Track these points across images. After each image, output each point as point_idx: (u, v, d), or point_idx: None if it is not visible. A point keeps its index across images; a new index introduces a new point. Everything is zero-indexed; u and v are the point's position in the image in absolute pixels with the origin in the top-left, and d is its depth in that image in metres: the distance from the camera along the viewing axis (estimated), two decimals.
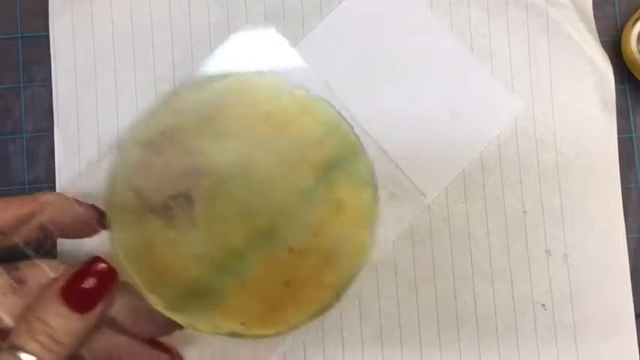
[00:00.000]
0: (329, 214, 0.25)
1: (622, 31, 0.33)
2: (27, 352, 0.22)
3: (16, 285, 0.23)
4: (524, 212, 0.32)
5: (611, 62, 0.33)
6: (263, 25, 0.33)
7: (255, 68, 0.26)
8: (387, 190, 0.27)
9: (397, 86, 0.33)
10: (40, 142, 0.33)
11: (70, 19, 0.33)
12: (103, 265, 0.23)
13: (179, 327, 0.25)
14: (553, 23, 0.33)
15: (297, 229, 0.24)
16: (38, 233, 0.24)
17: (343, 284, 0.25)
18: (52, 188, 0.32)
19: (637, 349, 0.31)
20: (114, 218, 0.24)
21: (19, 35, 0.33)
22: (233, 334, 0.25)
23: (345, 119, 0.26)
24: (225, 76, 0.26)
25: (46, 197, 0.25)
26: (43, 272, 0.24)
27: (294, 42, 0.33)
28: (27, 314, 0.23)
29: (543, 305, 0.32)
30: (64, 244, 0.30)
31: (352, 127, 0.26)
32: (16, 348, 0.22)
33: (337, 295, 0.25)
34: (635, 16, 0.32)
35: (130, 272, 0.24)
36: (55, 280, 0.23)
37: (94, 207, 0.25)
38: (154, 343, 0.26)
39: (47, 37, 0.33)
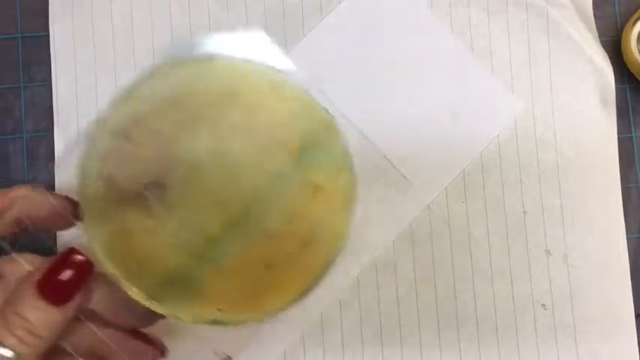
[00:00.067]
0: (305, 197, 0.24)
1: (622, 31, 0.33)
2: (5, 346, 0.22)
3: None
4: (524, 212, 0.32)
5: (611, 62, 0.33)
6: (255, 25, 0.33)
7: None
8: (366, 172, 0.26)
9: (397, 86, 0.33)
10: (40, 142, 0.33)
11: (70, 19, 0.33)
12: (79, 257, 0.23)
13: (160, 317, 0.25)
14: (553, 23, 0.33)
15: (273, 214, 0.24)
16: (14, 227, 0.24)
17: (322, 269, 0.25)
18: (52, 188, 0.32)
19: (637, 349, 0.31)
20: (87, 209, 0.24)
21: (19, 35, 0.33)
22: (213, 322, 0.25)
23: (318, 101, 0.25)
24: (192, 61, 0.25)
25: (17, 192, 0.24)
26: (21, 266, 0.24)
27: (294, 42, 0.33)
28: (4, 309, 0.22)
29: (543, 305, 0.32)
30: (64, 237, 0.30)
31: (327, 109, 0.25)
32: None
33: (316, 280, 0.25)
34: (635, 16, 0.32)
35: (106, 263, 0.24)
36: (31, 273, 0.23)
37: (67, 199, 0.25)
38: (136, 334, 0.25)
39: (47, 37, 0.33)
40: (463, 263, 0.32)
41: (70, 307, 0.23)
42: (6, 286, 0.23)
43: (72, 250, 0.23)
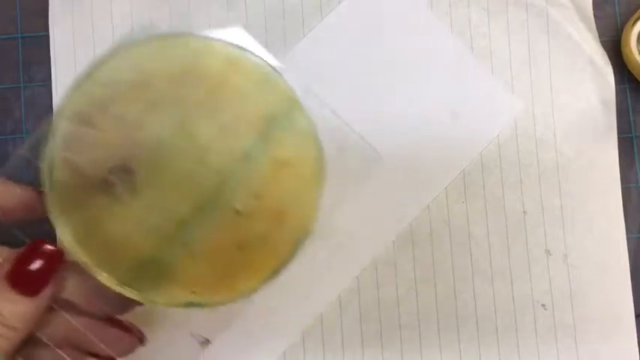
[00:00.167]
0: (273, 173, 0.24)
1: (622, 31, 0.33)
2: None
3: None
4: (524, 212, 0.32)
5: (611, 62, 0.33)
6: (255, 25, 0.33)
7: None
8: (334, 146, 0.26)
9: (397, 86, 0.33)
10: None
11: (70, 19, 0.33)
12: (47, 247, 0.23)
13: (136, 303, 0.25)
14: (553, 23, 0.33)
15: (241, 192, 0.24)
16: None
17: (293, 247, 0.25)
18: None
19: (637, 349, 0.32)
20: (54, 198, 0.24)
21: (19, 35, 0.33)
22: (188, 305, 0.24)
23: (280, 74, 0.25)
24: (150, 40, 0.25)
25: None
26: None
27: (294, 42, 0.33)
28: None
29: (543, 305, 0.32)
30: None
31: (289, 85, 0.25)
32: None
33: (287, 258, 0.25)
34: (635, 16, 0.32)
35: (76, 251, 0.24)
36: (0, 265, 0.23)
37: (34, 188, 0.24)
38: (113, 322, 0.25)
39: (47, 37, 0.33)
40: (463, 263, 0.32)
41: (43, 297, 0.23)
42: None
43: (40, 240, 0.23)
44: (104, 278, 0.24)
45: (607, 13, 0.34)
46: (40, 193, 0.24)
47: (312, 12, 0.33)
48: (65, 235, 0.23)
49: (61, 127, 0.24)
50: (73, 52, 0.33)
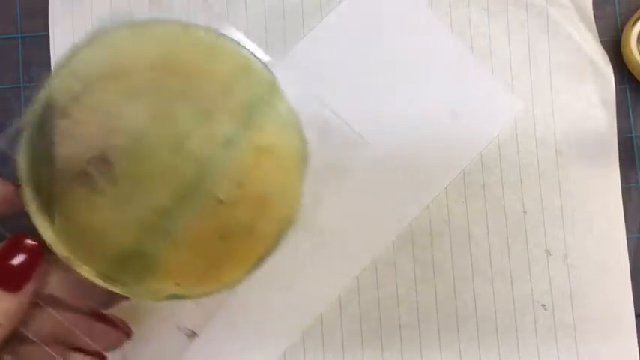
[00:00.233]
0: (254, 160, 0.24)
1: (622, 31, 0.33)
2: None
3: None
4: (524, 212, 0.32)
5: (611, 62, 0.33)
6: (255, 25, 0.33)
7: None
8: (318, 130, 0.26)
9: (397, 86, 0.33)
10: None
11: (70, 19, 0.33)
12: (29, 241, 0.23)
13: (121, 297, 0.25)
14: (553, 23, 0.33)
15: (222, 180, 0.23)
16: None
17: (277, 236, 0.24)
18: None
19: (637, 349, 0.32)
20: (33, 192, 0.23)
21: (19, 35, 0.33)
22: (172, 297, 0.24)
23: (259, 59, 0.24)
24: (125, 28, 0.24)
25: None
26: None
27: (294, 42, 0.33)
28: None
29: (543, 305, 0.32)
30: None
31: (267, 66, 0.24)
32: None
33: (271, 248, 0.24)
34: (635, 16, 0.32)
35: (57, 246, 0.23)
36: None
37: (10, 182, 0.24)
38: (99, 317, 0.25)
39: (47, 37, 0.33)
40: (463, 263, 0.32)
41: (25, 292, 0.23)
42: None
43: (21, 235, 0.23)
44: (86, 272, 0.23)
45: (607, 13, 0.34)
46: (18, 187, 0.23)
47: (312, 12, 0.33)
48: (45, 230, 0.23)
49: (37, 120, 0.23)
50: None
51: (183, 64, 0.24)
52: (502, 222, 0.32)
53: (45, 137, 0.23)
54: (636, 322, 0.32)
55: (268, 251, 0.24)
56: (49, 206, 0.23)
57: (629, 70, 0.33)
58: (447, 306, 0.32)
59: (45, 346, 0.24)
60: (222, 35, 0.24)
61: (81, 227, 0.23)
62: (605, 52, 0.33)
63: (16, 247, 0.23)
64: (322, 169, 0.27)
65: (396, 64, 0.33)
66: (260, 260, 0.24)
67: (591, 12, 0.33)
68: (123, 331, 0.26)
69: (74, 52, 0.24)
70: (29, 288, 0.23)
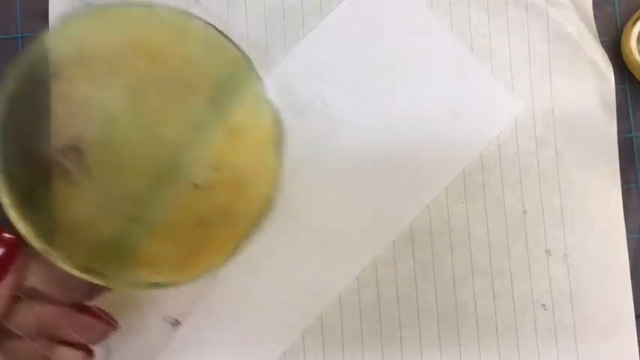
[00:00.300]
0: (228, 141, 0.23)
1: (622, 31, 0.33)
2: None
3: None
4: (524, 212, 0.32)
5: (611, 62, 0.33)
6: (255, 25, 0.33)
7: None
8: (294, 108, 0.25)
9: (397, 86, 0.33)
10: None
11: None
12: (5, 235, 0.23)
13: (104, 288, 0.24)
14: (553, 23, 0.33)
15: (197, 164, 0.23)
16: None
17: (255, 220, 0.24)
18: None
19: (637, 349, 0.31)
20: (5, 185, 0.23)
21: (19, 35, 0.33)
22: (153, 285, 0.24)
23: (227, 37, 0.24)
24: (90, 13, 0.23)
25: None
26: None
27: (294, 42, 0.33)
28: None
29: (543, 305, 0.32)
30: None
31: (237, 45, 0.24)
32: None
33: (250, 233, 0.24)
34: (635, 16, 0.32)
35: (34, 239, 0.23)
36: None
37: None
38: (83, 309, 0.25)
39: None
40: (463, 263, 0.32)
41: (4, 286, 0.23)
42: None
43: None
44: (65, 265, 0.23)
45: (607, 13, 0.34)
46: None
47: (312, 12, 0.33)
48: (19, 223, 0.23)
49: (6, 111, 0.23)
50: None
51: (150, 47, 0.23)
52: (502, 222, 0.32)
53: (11, 129, 0.23)
54: (636, 322, 0.32)
55: (248, 236, 0.24)
56: (22, 199, 0.23)
57: (629, 70, 0.33)
58: (447, 306, 0.32)
59: (30, 341, 0.24)
60: (188, 14, 0.24)
61: (56, 219, 0.23)
62: (605, 52, 0.33)
63: None
64: (300, 150, 0.26)
65: (396, 64, 0.33)
66: (240, 245, 0.24)
67: (591, 12, 0.33)
68: (108, 323, 0.26)
69: (40, 42, 0.23)
70: (8, 281, 0.23)
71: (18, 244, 0.23)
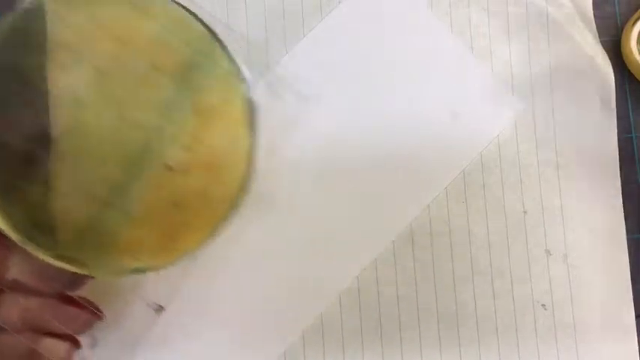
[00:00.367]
0: (200, 120, 0.23)
1: (622, 31, 0.33)
2: None
3: None
4: (525, 212, 0.32)
5: (611, 62, 0.33)
6: (255, 25, 0.33)
7: None
8: (266, 84, 0.25)
9: (397, 86, 0.33)
10: None
11: None
12: None
13: (87, 277, 0.24)
14: (553, 23, 0.33)
15: (169, 146, 0.23)
16: None
17: (232, 200, 0.24)
18: None
19: (637, 349, 0.31)
20: None
21: None
22: (134, 271, 0.24)
23: (194, 13, 0.23)
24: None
25: None
26: None
27: (294, 42, 0.33)
28: None
29: (543, 305, 0.32)
30: None
31: (205, 21, 0.23)
32: None
33: (227, 213, 0.24)
34: (635, 16, 0.32)
35: (9, 230, 0.22)
36: None
37: None
38: (67, 300, 0.25)
39: None
40: (463, 263, 0.32)
41: None
42: None
43: None
44: (44, 255, 0.23)
45: (607, 13, 0.34)
46: None
47: (312, 12, 0.33)
48: None
49: None
50: None
51: (114, 27, 0.23)
52: (502, 222, 0.32)
53: None
54: (636, 322, 0.32)
55: (225, 218, 0.24)
56: None
57: (629, 70, 0.33)
58: (447, 306, 0.32)
59: (14, 333, 0.24)
60: None
61: (32, 210, 0.23)
62: (605, 52, 0.33)
63: None
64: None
65: (396, 64, 0.33)
66: (217, 227, 0.24)
67: (591, 12, 0.33)
68: (93, 312, 0.26)
69: (2, 29, 0.23)
70: None
71: None
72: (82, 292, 0.26)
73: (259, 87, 0.24)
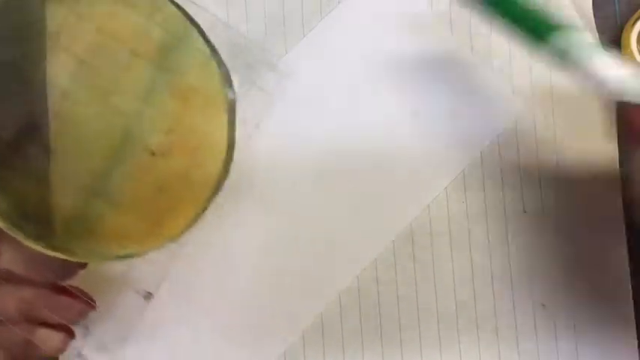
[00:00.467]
0: (178, 103, 0.23)
1: (622, 31, 0.33)
2: None
3: None
4: (525, 212, 0.32)
5: None
6: (255, 25, 0.33)
7: None
8: (243, 64, 0.25)
9: (397, 86, 0.33)
10: None
11: None
12: None
13: (77, 266, 0.25)
14: None
15: (150, 130, 0.23)
16: None
17: (214, 182, 0.24)
18: None
19: (637, 349, 0.31)
20: None
21: None
22: (121, 257, 0.24)
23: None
24: None
25: None
26: None
27: (294, 42, 0.33)
28: None
29: (543, 305, 0.32)
30: None
31: (181, 7, 0.23)
32: None
33: (210, 196, 0.24)
34: (635, 16, 0.32)
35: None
36: None
37: None
38: (60, 290, 0.25)
39: None
40: (463, 263, 0.32)
41: None
42: None
43: None
44: (33, 243, 0.23)
45: (607, 13, 0.34)
46: None
47: (312, 12, 0.33)
48: None
49: None
50: None
51: (91, 15, 0.23)
52: (502, 222, 0.32)
53: None
54: (636, 322, 0.32)
55: (207, 201, 0.24)
56: None
57: None
58: (447, 306, 0.32)
59: (9, 324, 0.24)
60: None
61: (21, 199, 0.23)
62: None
63: None
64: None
65: (396, 64, 0.33)
66: (201, 210, 0.24)
67: (591, 12, 0.33)
68: (86, 302, 0.26)
69: None
70: None
71: None
72: (74, 281, 0.26)
73: (238, 68, 0.24)
